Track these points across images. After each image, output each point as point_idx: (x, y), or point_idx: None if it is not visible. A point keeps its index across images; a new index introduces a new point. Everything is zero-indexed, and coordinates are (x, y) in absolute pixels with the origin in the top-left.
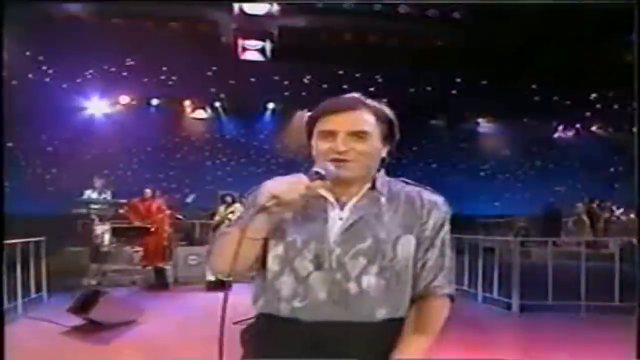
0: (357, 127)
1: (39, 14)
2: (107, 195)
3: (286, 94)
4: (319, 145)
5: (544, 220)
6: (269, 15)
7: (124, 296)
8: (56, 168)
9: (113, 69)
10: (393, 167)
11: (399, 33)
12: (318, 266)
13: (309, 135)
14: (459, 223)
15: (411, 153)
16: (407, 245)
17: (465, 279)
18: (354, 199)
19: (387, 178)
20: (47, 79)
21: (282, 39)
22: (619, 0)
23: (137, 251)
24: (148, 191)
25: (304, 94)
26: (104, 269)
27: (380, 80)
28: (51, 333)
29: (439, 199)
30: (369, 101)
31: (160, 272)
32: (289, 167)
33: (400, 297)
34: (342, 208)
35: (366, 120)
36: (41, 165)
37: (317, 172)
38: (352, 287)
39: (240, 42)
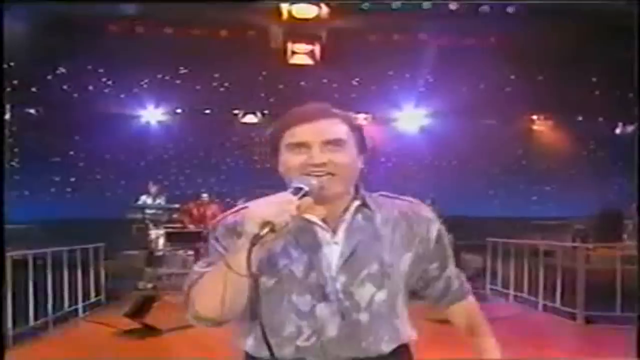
0: (333, 135)
1: (96, 28)
2: (162, 201)
3: (336, 96)
4: (290, 160)
5: (603, 223)
6: (317, 19)
7: (177, 301)
8: (114, 174)
9: (167, 78)
10: (447, 168)
11: (449, 31)
12: (322, 298)
13: (274, 150)
14: (512, 226)
15: (463, 154)
16: (406, 264)
17: (524, 285)
18: (345, 220)
19: (369, 193)
20: (106, 90)
21: (331, 41)
22: (619, 0)
23: (190, 255)
24: (205, 196)
25: (353, 95)
26: (159, 273)
27: (431, 80)
28: (109, 336)
29: (429, 210)
30: (336, 110)
31: None
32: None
33: (405, 320)
34: (334, 230)
35: (340, 128)
36: (101, 172)
37: (299, 189)
38: (363, 317)
39: (290, 46)
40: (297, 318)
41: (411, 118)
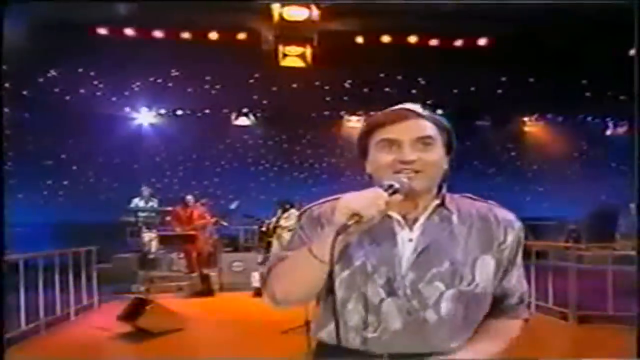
0: (423, 132)
1: (87, 31)
2: (154, 203)
3: (327, 98)
4: (380, 158)
5: (596, 223)
6: (308, 21)
7: (170, 305)
8: (106, 177)
9: (159, 81)
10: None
11: (440, 33)
12: (391, 293)
13: (363, 149)
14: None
15: (456, 155)
16: (485, 267)
17: None
18: (422, 217)
19: (452, 194)
20: (98, 93)
21: (322, 43)
22: (619, 0)
23: (182, 258)
24: (190, 198)
25: (345, 98)
26: (152, 276)
27: (423, 82)
28: (101, 339)
29: (513, 216)
30: (425, 111)
31: (205, 279)
32: (332, 173)
33: (477, 324)
34: (410, 227)
35: (429, 127)
36: (93, 175)
37: (390, 186)
38: (430, 315)
39: (281, 48)
40: (364, 310)
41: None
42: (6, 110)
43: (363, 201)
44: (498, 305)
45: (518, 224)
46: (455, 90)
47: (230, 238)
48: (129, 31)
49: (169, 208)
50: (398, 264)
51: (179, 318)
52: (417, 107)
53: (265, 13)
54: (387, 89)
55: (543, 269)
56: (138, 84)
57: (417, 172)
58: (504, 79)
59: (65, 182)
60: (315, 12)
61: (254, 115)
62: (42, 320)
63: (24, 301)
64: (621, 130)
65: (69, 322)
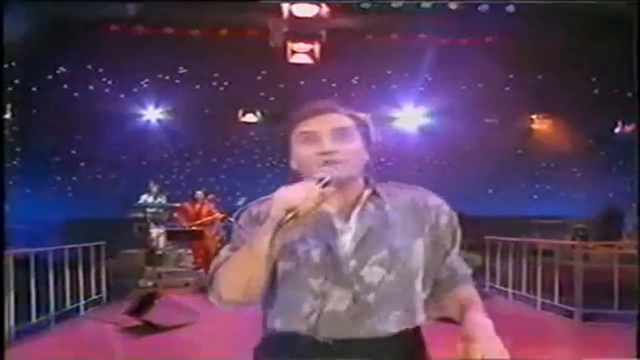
0: (339, 124)
1: (96, 28)
2: (162, 199)
3: (335, 95)
4: (302, 151)
5: (603, 222)
6: (317, 17)
7: (179, 299)
8: (115, 174)
9: (167, 78)
10: (447, 167)
11: (448, 30)
12: (335, 281)
13: (287, 145)
14: (512, 224)
15: (463, 153)
16: (419, 250)
17: (523, 283)
18: (357, 208)
19: (380, 183)
20: (107, 90)
21: (331, 40)
22: (619, 0)
23: (190, 254)
24: (200, 194)
25: (352, 95)
26: (159, 271)
27: (430, 79)
28: (111, 333)
29: (441, 201)
30: (345, 107)
31: None
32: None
33: (416, 304)
34: (347, 218)
35: (345, 119)
36: (101, 171)
37: (321, 179)
38: (371, 298)
39: (290, 45)
40: (312, 298)
41: (411, 117)
42: (14, 106)
43: (298, 195)
44: (444, 284)
45: (447, 208)
46: (463, 87)
47: None
48: (137, 28)
49: (177, 204)
50: (339, 254)
51: (189, 312)
52: (333, 102)
53: (274, 10)
54: (394, 86)
55: (549, 267)
56: (146, 81)
57: (339, 162)
58: (511, 76)
59: (74, 179)
60: (325, 9)
61: (261, 112)
62: (52, 314)
63: (34, 295)
64: (629, 128)
65: (79, 316)
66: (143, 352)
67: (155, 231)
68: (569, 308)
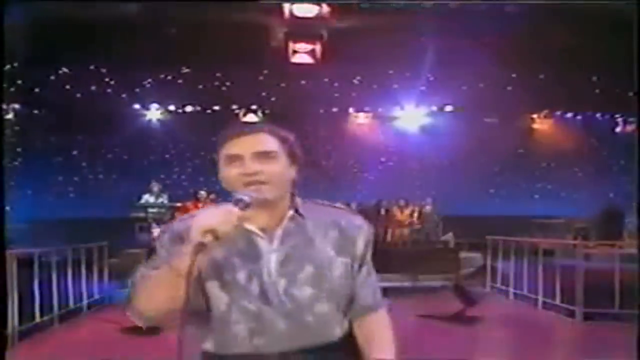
0: (263, 147)
1: (98, 28)
2: (164, 199)
3: (336, 95)
4: (227, 172)
5: (604, 221)
6: (318, 17)
7: None
8: (116, 174)
9: (169, 78)
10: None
11: (450, 30)
12: (266, 301)
13: (215, 164)
14: (514, 224)
15: (464, 152)
16: (342, 267)
17: (524, 283)
18: (280, 228)
19: (303, 200)
20: (109, 90)
21: (332, 40)
22: (620, 0)
23: None
24: (203, 193)
25: (354, 94)
26: None
27: (432, 78)
28: (113, 333)
29: (361, 219)
30: (268, 126)
31: None
32: (340, 169)
33: (344, 316)
34: (270, 239)
35: (269, 141)
36: (103, 171)
37: (240, 200)
38: (307, 315)
39: (291, 45)
40: (248, 320)
41: (412, 117)
42: (17, 107)
43: (215, 218)
44: (362, 301)
45: (366, 227)
46: (463, 87)
47: None
48: (139, 28)
49: (179, 204)
50: (267, 274)
51: None
52: (258, 124)
53: (275, 10)
54: (395, 86)
55: (550, 267)
56: (148, 81)
57: (262, 183)
58: (513, 75)
59: (76, 179)
60: (326, 9)
61: (263, 111)
62: (56, 313)
63: (38, 294)
64: (630, 127)
65: (82, 315)
66: (145, 351)
67: (157, 231)
68: (570, 307)
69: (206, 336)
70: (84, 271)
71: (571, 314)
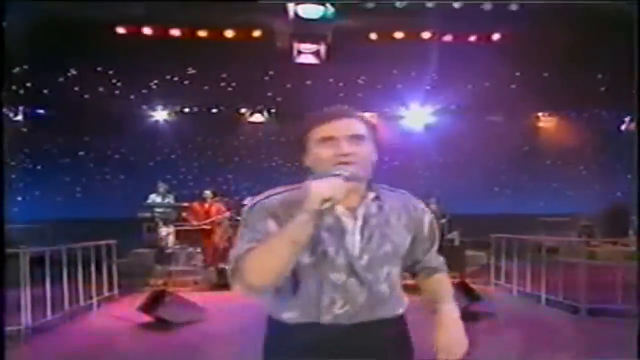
0: (356, 131)
1: (105, 30)
2: (170, 199)
3: (341, 95)
4: (320, 153)
5: (609, 219)
6: (322, 18)
7: (188, 297)
8: (123, 174)
9: (175, 79)
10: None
11: (453, 29)
12: (350, 274)
13: (302, 146)
14: (518, 222)
15: (469, 151)
16: (414, 244)
17: (527, 280)
18: (362, 208)
19: (375, 185)
20: (116, 92)
21: (336, 41)
22: (619, 0)
23: (199, 252)
24: (208, 193)
25: (359, 94)
26: (169, 270)
27: (436, 78)
28: (124, 329)
29: (422, 204)
30: (356, 112)
31: (221, 272)
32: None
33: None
34: (355, 217)
35: (361, 125)
36: (110, 172)
37: (339, 174)
38: (384, 288)
39: (296, 45)
40: (333, 291)
41: (417, 116)
42: (25, 108)
43: (330, 188)
44: (432, 264)
45: (427, 210)
46: (468, 86)
47: None
48: (145, 30)
49: (186, 204)
50: (352, 249)
51: (198, 309)
52: (347, 108)
53: (280, 11)
54: (400, 86)
55: (554, 265)
56: (155, 82)
57: (354, 163)
58: (517, 74)
59: (83, 179)
60: (331, 10)
61: (268, 111)
62: (67, 310)
63: (49, 292)
64: (634, 125)
65: (92, 313)
66: (155, 347)
67: (164, 230)
68: (574, 304)
69: (286, 306)
70: (93, 269)
71: (575, 311)
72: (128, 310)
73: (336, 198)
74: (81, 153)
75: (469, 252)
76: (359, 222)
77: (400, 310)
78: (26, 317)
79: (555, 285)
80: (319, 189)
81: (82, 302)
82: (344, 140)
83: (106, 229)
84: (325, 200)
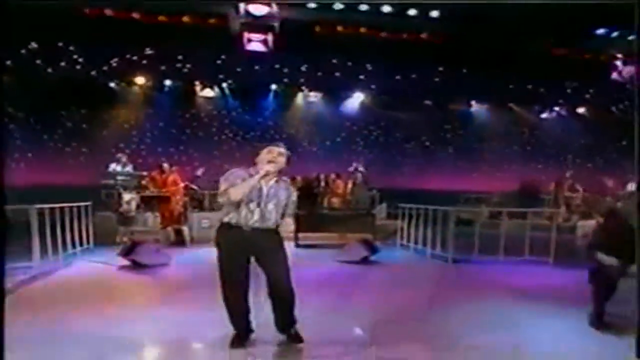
0: (280, 151)
1: (71, 11)
2: (129, 168)
3: (285, 80)
4: (264, 157)
5: (519, 196)
6: (270, 15)
7: (158, 246)
8: (77, 143)
9: (135, 58)
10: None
11: (384, 28)
12: (258, 205)
13: (257, 153)
14: (446, 197)
15: (402, 132)
16: (286, 201)
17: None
18: (272, 182)
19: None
20: (78, 67)
21: (283, 32)
22: (619, 1)
23: (157, 216)
24: (166, 165)
25: (302, 80)
26: (131, 230)
27: (370, 68)
28: (104, 271)
29: (292, 188)
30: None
31: (179, 232)
32: (289, 141)
33: (279, 218)
34: (268, 186)
35: (283, 150)
36: (68, 142)
37: (270, 165)
38: (272, 216)
39: (246, 34)
40: (250, 212)
41: (353, 99)
42: None
43: (266, 168)
44: (286, 212)
45: (293, 192)
46: (397, 77)
47: (198, 200)
48: (108, 12)
49: (144, 173)
50: (263, 197)
51: (166, 255)
52: (283, 144)
53: (232, 4)
54: (337, 74)
55: (458, 232)
56: (115, 60)
57: (275, 163)
58: (440, 69)
59: (37, 147)
60: (275, 9)
61: (219, 87)
62: (61, 255)
63: (38, 243)
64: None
65: (76, 258)
66: (134, 285)
67: (128, 196)
68: (445, 255)
69: (229, 214)
70: (76, 225)
71: (445, 260)
72: (105, 257)
73: (271, 172)
74: (37, 127)
75: (383, 221)
76: (268, 187)
77: (276, 227)
78: (36, 256)
79: (441, 245)
80: (265, 167)
81: (70, 250)
82: (276, 153)
83: (71, 195)
84: (265, 175)
